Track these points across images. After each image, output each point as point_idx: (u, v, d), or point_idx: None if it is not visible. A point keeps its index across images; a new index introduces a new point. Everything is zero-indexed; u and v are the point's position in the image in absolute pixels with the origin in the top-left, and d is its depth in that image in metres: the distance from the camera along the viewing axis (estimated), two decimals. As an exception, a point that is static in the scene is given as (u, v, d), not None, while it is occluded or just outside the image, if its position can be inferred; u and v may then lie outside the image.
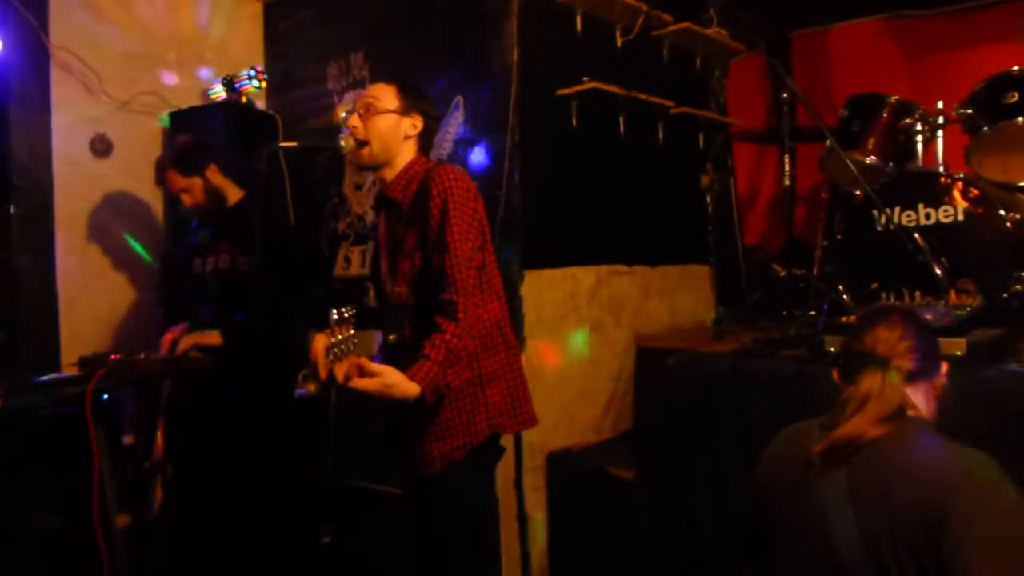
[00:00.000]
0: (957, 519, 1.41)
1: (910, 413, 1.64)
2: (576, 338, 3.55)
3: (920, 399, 1.68)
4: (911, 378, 1.67)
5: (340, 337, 1.75)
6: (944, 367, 1.73)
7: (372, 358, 1.94)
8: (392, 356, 2.12)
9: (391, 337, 2.12)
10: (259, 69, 3.96)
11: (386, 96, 2.20)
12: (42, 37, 3.66)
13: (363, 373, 1.83)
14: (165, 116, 3.99)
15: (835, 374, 1.78)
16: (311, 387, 1.95)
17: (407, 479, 2.34)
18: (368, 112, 2.18)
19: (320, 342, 1.76)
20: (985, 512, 1.43)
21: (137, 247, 3.95)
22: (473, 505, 2.22)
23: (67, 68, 3.75)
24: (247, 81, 3.95)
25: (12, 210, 3.56)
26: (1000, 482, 1.47)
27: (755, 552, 1.82)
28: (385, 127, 2.18)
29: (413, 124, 2.22)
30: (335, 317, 1.76)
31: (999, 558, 1.40)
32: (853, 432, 1.60)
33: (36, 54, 3.66)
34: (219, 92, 4.01)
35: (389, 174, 2.22)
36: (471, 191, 2.13)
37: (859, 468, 1.57)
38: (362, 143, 2.18)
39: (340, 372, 1.79)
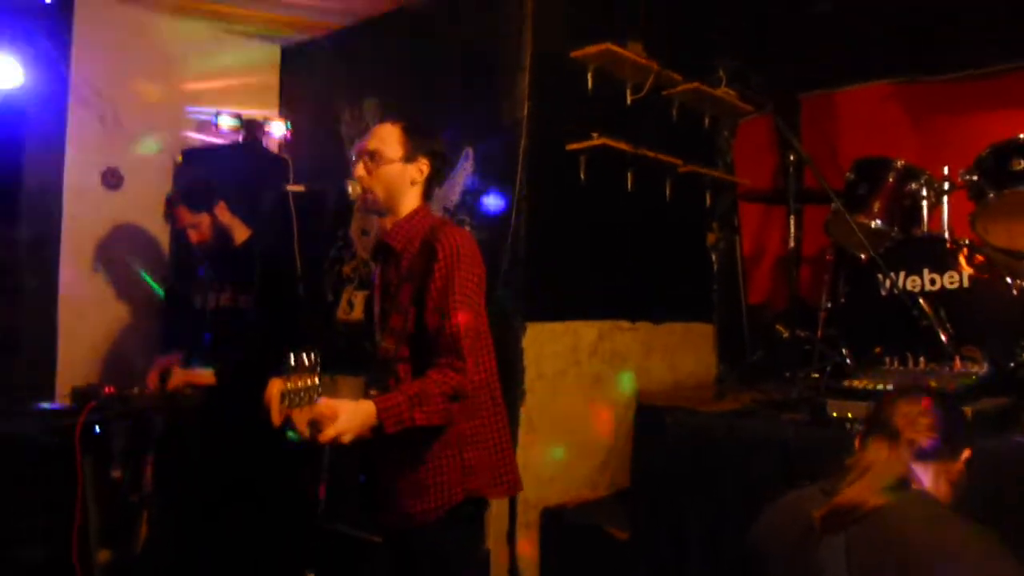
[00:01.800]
0: None
1: (914, 487, 1.62)
2: (575, 393, 3.51)
3: (929, 478, 1.66)
4: (922, 456, 1.65)
5: (298, 385, 1.71)
6: (965, 454, 1.70)
7: None
8: None
9: (372, 392, 2.05)
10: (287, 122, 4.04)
11: (391, 141, 2.15)
12: (63, 70, 3.74)
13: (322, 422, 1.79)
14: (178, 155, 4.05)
15: (856, 440, 1.77)
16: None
17: (384, 530, 2.28)
18: (373, 161, 2.15)
19: (275, 387, 1.71)
20: None
21: (150, 281, 3.97)
22: (455, 561, 2.13)
23: (84, 101, 3.82)
24: (273, 129, 4.03)
25: (20, 237, 3.59)
26: (998, 556, 1.44)
27: None
28: (390, 177, 2.14)
29: (419, 169, 2.17)
30: (292, 363, 1.71)
31: None
32: (854, 499, 1.58)
33: (56, 86, 3.74)
34: (227, 121, 4.04)
35: (391, 221, 2.19)
36: (476, 256, 2.10)
37: (857, 536, 1.55)
38: (366, 190, 2.16)
39: (300, 421, 1.75)
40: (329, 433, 1.79)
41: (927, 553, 1.45)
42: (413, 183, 2.18)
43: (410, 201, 2.18)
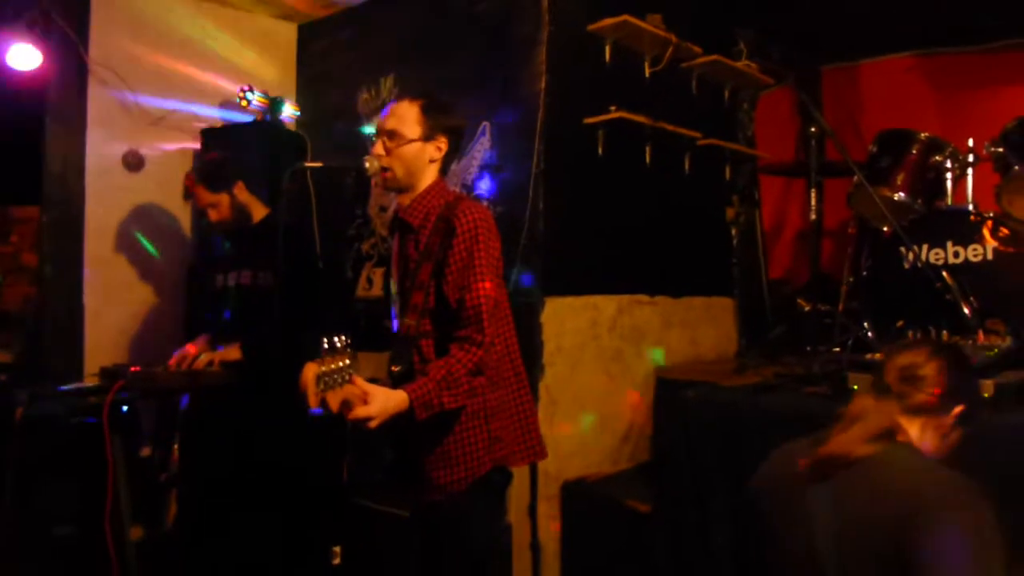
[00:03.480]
0: (929, 541, 1.42)
1: (899, 438, 1.65)
2: (595, 367, 3.52)
3: (916, 431, 1.68)
4: (913, 410, 1.68)
5: (331, 367, 1.74)
6: (957, 410, 1.70)
7: (378, 382, 1.93)
8: (397, 387, 2.10)
9: (394, 368, 2.09)
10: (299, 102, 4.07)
11: (409, 120, 2.15)
12: (81, 53, 3.75)
13: (353, 402, 1.82)
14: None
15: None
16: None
17: (413, 503, 2.32)
18: (392, 140, 2.15)
19: (310, 371, 1.73)
20: (957, 535, 1.43)
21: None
22: (479, 532, 2.18)
23: (104, 83, 3.83)
24: (290, 103, 4.04)
25: (44, 219, 3.62)
26: (974, 505, 1.47)
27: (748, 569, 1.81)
28: (409, 155, 2.15)
29: (437, 147, 2.18)
30: (326, 346, 1.75)
31: None
32: (837, 449, 1.63)
33: (75, 69, 3.76)
34: (259, 104, 4.04)
35: (408, 198, 2.20)
36: (493, 229, 2.12)
37: (844, 485, 1.59)
38: (385, 168, 2.17)
39: (334, 401, 1.78)
40: (359, 414, 1.83)
41: (903, 502, 1.49)
42: (431, 161, 2.19)
43: (428, 178, 2.20)
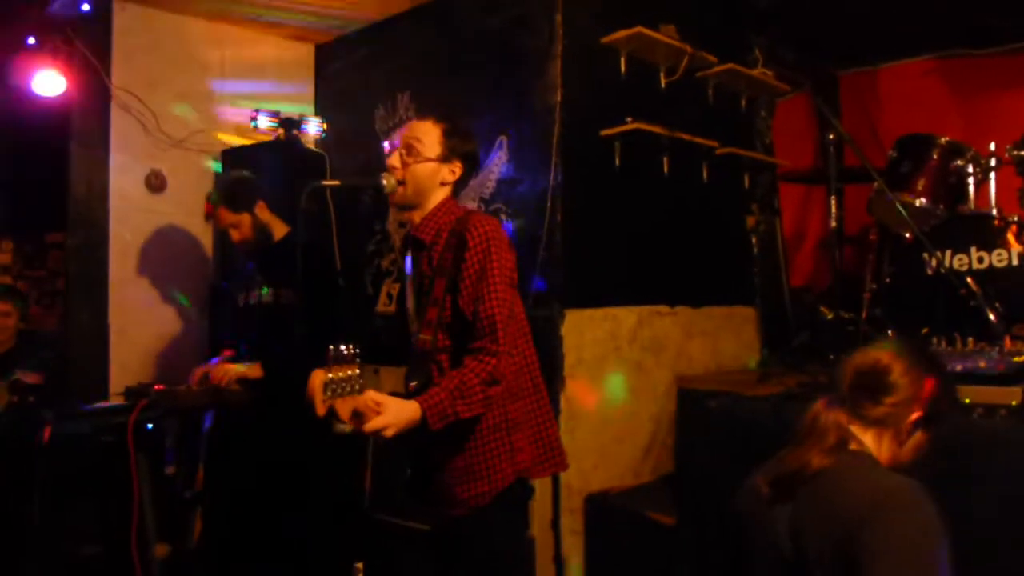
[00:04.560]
0: (867, 550, 1.41)
1: (852, 446, 1.62)
2: (616, 379, 3.51)
3: (870, 439, 1.64)
4: (859, 418, 1.65)
5: (339, 375, 1.73)
6: (912, 416, 1.63)
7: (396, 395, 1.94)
8: None
9: (412, 385, 2.09)
10: (323, 120, 4.11)
11: (429, 139, 2.17)
12: (104, 78, 3.83)
13: (366, 413, 1.82)
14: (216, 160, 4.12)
15: None
16: (347, 424, 1.94)
17: (434, 518, 2.32)
18: (409, 155, 2.17)
19: (317, 378, 1.74)
20: (892, 542, 1.42)
21: (182, 299, 4.06)
22: (501, 547, 2.17)
23: (126, 107, 3.91)
24: (308, 127, 4.08)
25: (69, 241, 3.68)
26: (913, 508, 1.45)
27: None
28: (423, 174, 2.16)
29: (452, 170, 2.19)
30: (332, 354, 1.74)
31: None
32: (793, 463, 1.61)
33: (98, 93, 3.84)
34: (264, 122, 4.09)
35: (418, 215, 2.21)
36: (505, 241, 2.12)
37: (802, 498, 1.58)
38: (399, 182, 2.18)
39: (343, 410, 1.78)
40: (374, 424, 1.83)
41: (848, 512, 1.48)
42: (444, 183, 2.20)
43: (439, 197, 2.21)
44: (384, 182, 2.18)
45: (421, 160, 2.16)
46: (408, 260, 2.31)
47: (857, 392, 1.66)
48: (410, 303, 2.29)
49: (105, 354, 3.76)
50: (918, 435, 1.65)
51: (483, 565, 2.14)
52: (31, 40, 3.68)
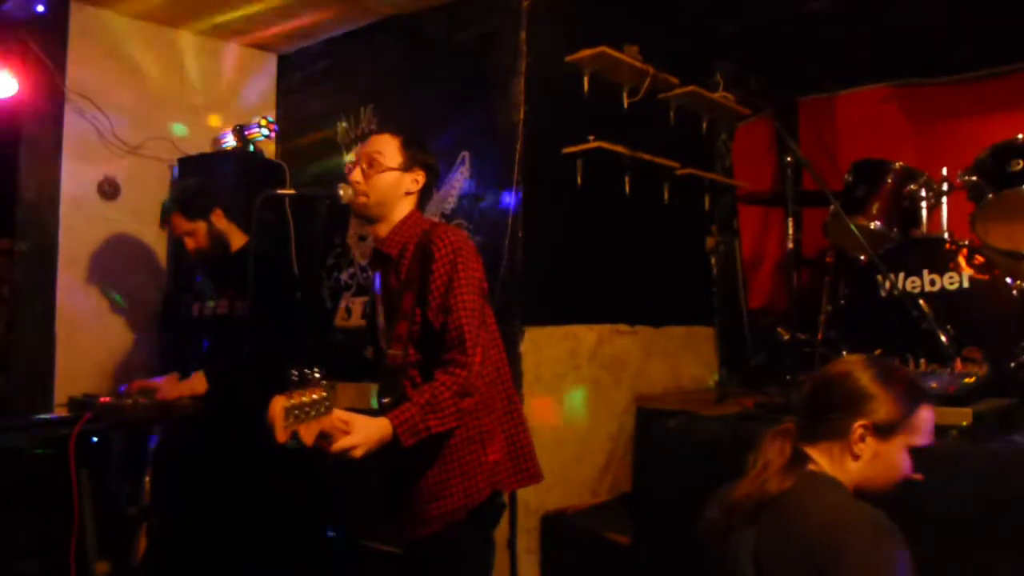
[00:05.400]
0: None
1: (810, 467, 1.61)
2: (575, 397, 3.49)
3: (824, 457, 1.61)
4: (807, 436, 1.64)
5: (302, 399, 1.67)
6: (855, 426, 1.58)
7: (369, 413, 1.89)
8: None
9: (385, 400, 2.05)
10: (270, 119, 4.03)
11: (389, 150, 2.17)
12: (58, 81, 3.73)
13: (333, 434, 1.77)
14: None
15: None
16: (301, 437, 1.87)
17: (405, 539, 2.26)
18: (371, 167, 2.15)
19: (277, 404, 1.66)
20: (865, 569, 1.40)
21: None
22: (473, 568, 2.13)
23: (80, 112, 3.81)
24: (256, 127, 4.01)
25: (16, 248, 3.57)
26: (874, 540, 1.43)
27: None
28: (386, 184, 2.15)
29: (415, 179, 2.19)
30: (295, 378, 1.69)
31: None
32: (747, 490, 1.60)
33: (51, 97, 3.74)
34: (230, 140, 4.05)
35: (384, 229, 2.19)
36: (472, 252, 2.11)
37: (764, 524, 1.57)
38: (363, 194, 2.15)
39: (307, 435, 1.70)
40: (342, 444, 1.78)
41: (818, 539, 1.45)
42: (407, 193, 2.19)
43: (403, 208, 2.19)
44: (341, 192, 2.15)
45: (383, 170, 2.14)
46: (377, 276, 2.28)
47: (804, 410, 1.67)
48: (380, 318, 2.25)
49: (51, 364, 3.64)
50: (874, 446, 1.59)
51: None
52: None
